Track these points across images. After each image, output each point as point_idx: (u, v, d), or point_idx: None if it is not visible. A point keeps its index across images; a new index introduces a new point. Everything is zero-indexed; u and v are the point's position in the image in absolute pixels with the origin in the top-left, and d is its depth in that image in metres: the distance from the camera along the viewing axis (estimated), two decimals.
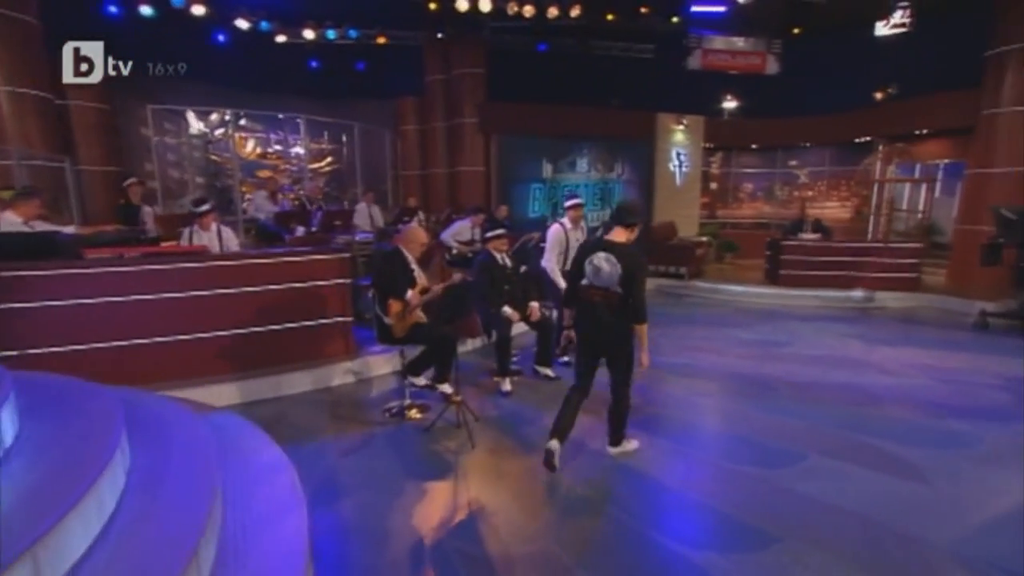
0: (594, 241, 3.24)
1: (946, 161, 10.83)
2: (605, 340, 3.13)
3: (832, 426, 3.90)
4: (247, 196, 9.69)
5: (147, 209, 6.31)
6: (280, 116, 9.58)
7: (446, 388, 4.12)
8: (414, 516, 2.81)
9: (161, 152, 8.49)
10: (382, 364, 5.03)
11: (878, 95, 11.31)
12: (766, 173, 13.15)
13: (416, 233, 3.94)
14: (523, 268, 4.88)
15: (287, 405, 4.34)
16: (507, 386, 4.54)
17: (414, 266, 3.94)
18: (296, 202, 8.54)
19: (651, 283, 6.08)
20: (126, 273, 4.03)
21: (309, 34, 10.86)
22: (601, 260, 2.97)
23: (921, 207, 11.28)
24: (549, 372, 4.92)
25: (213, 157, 9.54)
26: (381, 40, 11.88)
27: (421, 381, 4.06)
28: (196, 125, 9.42)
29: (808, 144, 12.53)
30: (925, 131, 10.50)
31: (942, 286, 9.09)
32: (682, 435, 3.78)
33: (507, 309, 4.49)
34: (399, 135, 12.26)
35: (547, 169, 10.98)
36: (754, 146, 13.00)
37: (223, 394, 4.24)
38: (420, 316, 3.93)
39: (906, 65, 10.39)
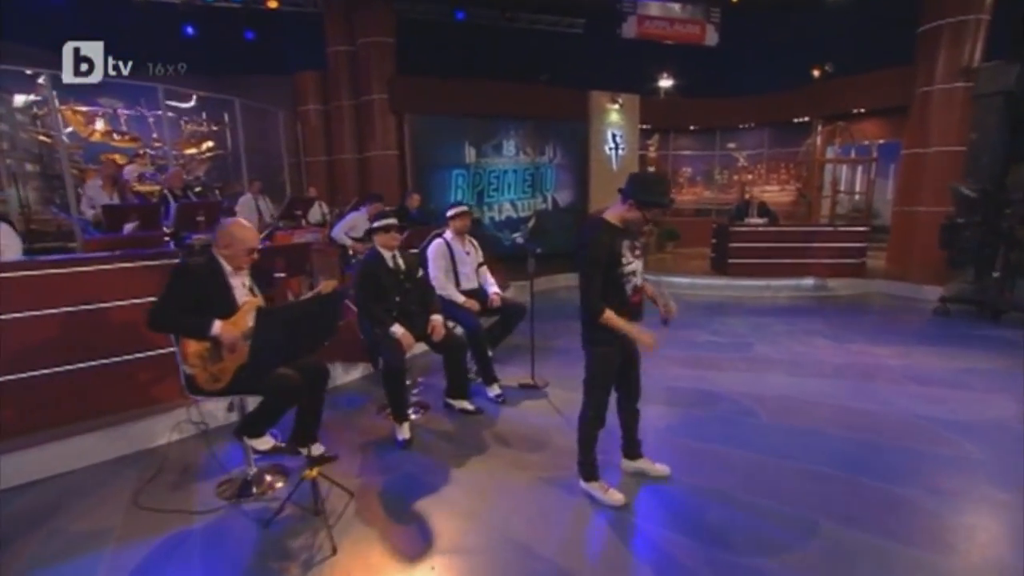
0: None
1: (880, 142, 10.59)
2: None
3: (846, 470, 2.91)
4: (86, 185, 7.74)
5: None
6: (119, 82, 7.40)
7: (316, 448, 2.82)
8: None
9: None
10: None
11: (815, 73, 10.91)
12: (705, 156, 12.55)
13: (234, 233, 2.53)
14: (422, 272, 3.60)
15: (71, 487, 2.88)
16: (404, 433, 3.28)
17: (236, 280, 2.59)
18: (152, 194, 6.74)
19: None
20: None
21: None
22: None
23: (858, 188, 11.02)
24: (467, 405, 3.73)
25: (42, 138, 7.48)
26: (273, 4, 10.18)
27: (266, 444, 2.69)
28: (20, 97, 7.37)
29: (746, 125, 12.01)
30: (862, 110, 10.16)
31: (884, 270, 8.75)
32: (650, 498, 2.68)
33: (397, 328, 3.21)
34: (299, 116, 10.57)
35: (470, 153, 9.70)
36: (692, 127, 12.36)
37: None
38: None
39: (844, 41, 10.00)
